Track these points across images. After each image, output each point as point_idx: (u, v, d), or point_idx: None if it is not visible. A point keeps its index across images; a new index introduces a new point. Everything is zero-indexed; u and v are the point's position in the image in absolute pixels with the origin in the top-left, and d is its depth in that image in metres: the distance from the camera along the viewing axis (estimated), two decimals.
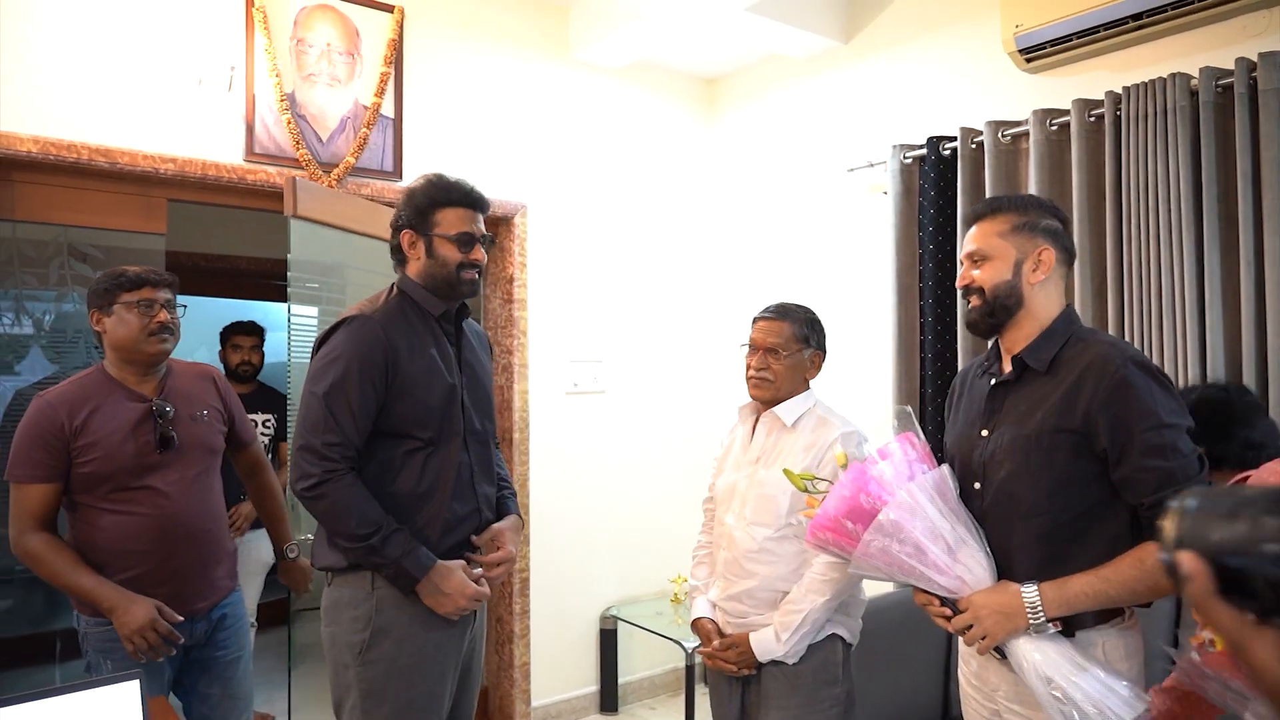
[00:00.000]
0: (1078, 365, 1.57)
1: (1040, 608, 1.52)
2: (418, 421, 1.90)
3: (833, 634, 2.07)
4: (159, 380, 2.25)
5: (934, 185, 3.15)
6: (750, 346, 2.18)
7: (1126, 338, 2.66)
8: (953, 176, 3.13)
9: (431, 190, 1.96)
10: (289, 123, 3.03)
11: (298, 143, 3.05)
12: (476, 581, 1.91)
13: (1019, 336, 1.66)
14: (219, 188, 3.00)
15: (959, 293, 1.76)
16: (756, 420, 2.22)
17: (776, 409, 2.14)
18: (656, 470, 4.08)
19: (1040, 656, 1.50)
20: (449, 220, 1.96)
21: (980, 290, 1.67)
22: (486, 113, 3.57)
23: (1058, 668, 1.48)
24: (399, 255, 2.01)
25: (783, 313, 2.17)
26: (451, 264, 1.95)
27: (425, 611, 1.88)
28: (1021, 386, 1.65)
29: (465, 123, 3.50)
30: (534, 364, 3.70)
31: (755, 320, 2.20)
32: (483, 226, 2.01)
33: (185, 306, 2.32)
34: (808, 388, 2.19)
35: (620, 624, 3.83)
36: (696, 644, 3.28)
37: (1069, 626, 1.54)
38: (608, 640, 3.83)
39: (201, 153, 2.92)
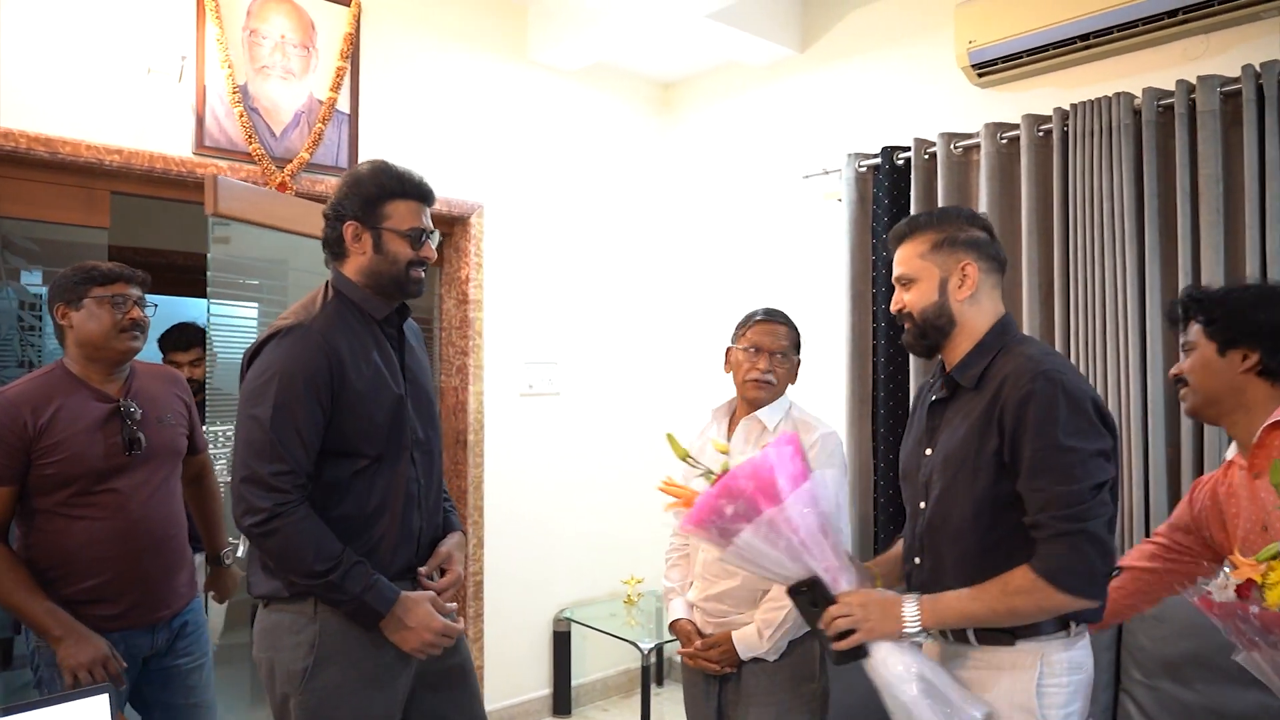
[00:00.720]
0: (999, 378, 1.56)
1: (917, 616, 1.54)
2: (365, 438, 1.75)
3: (810, 631, 2.11)
4: (124, 381, 2.19)
5: (888, 194, 3.23)
6: (755, 349, 2.16)
7: (1071, 343, 2.77)
8: (906, 185, 3.22)
9: (381, 179, 1.80)
10: (241, 115, 2.97)
11: (250, 136, 2.99)
12: (447, 615, 1.79)
13: (955, 353, 1.65)
14: (167, 181, 2.92)
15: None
16: (731, 423, 2.24)
17: (758, 412, 2.18)
18: (610, 472, 4.09)
19: (897, 665, 1.52)
20: (400, 213, 1.80)
21: (910, 314, 1.67)
22: (444, 111, 3.54)
23: (905, 679, 1.50)
24: (337, 249, 1.83)
25: (783, 317, 2.21)
26: (402, 261, 1.80)
27: (372, 636, 1.74)
28: (954, 403, 1.64)
29: (422, 120, 3.48)
30: (489, 365, 3.68)
31: (755, 322, 2.20)
32: (430, 221, 1.87)
33: (156, 305, 2.28)
34: (785, 393, 2.23)
35: (574, 626, 3.83)
36: (651, 645, 3.35)
37: (1011, 634, 1.54)
38: (561, 642, 3.84)
39: (149, 144, 2.84)
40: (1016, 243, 2.94)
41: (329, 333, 1.73)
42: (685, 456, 1.75)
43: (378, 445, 1.75)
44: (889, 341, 3.24)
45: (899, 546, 1.80)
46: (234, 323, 2.98)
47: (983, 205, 2.99)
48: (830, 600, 1.57)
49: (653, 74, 4.23)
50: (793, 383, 2.24)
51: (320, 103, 3.17)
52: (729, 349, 2.25)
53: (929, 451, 1.67)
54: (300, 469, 1.67)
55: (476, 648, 3.61)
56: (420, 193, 1.84)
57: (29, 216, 2.75)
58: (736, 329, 2.25)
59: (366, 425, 1.74)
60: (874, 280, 3.30)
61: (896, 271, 1.69)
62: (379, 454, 1.76)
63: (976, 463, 1.55)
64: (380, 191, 1.80)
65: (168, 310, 3.53)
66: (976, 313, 1.63)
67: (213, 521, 2.51)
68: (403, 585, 1.78)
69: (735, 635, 2.09)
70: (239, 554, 2.55)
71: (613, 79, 4.13)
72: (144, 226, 4.27)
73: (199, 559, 2.46)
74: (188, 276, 4.57)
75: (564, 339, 3.96)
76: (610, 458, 4.10)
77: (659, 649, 3.87)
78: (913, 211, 3.14)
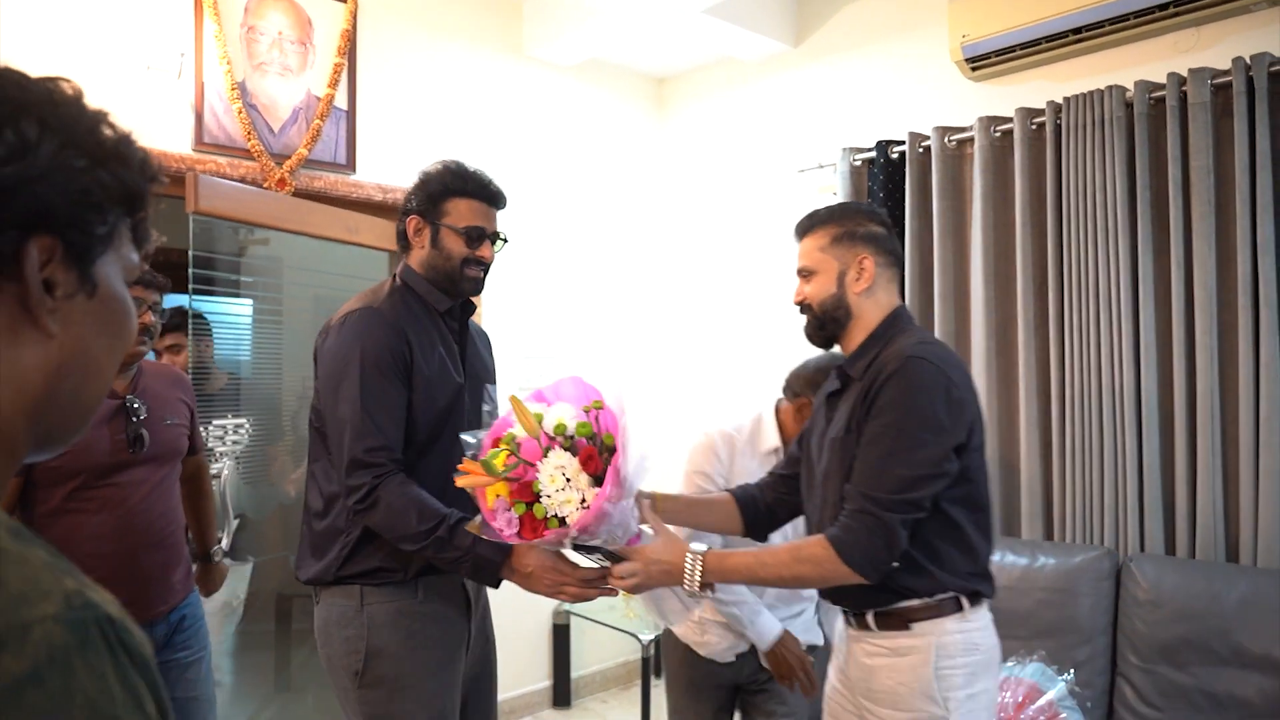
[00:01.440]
0: (876, 366, 1.59)
1: (699, 572, 1.58)
2: (425, 421, 1.77)
3: (809, 644, 2.20)
4: (130, 379, 2.22)
5: (882, 188, 3.26)
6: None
7: (1065, 334, 2.80)
8: (901, 179, 3.25)
9: (447, 177, 1.85)
10: (240, 112, 2.99)
11: (249, 133, 3.01)
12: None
13: (850, 345, 1.69)
14: (167, 178, 2.93)
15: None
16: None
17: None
18: None
19: None
20: (460, 211, 1.84)
21: (809, 306, 1.70)
22: (440, 106, 3.57)
23: None
24: (403, 242, 1.89)
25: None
26: (456, 258, 1.83)
27: (422, 625, 1.77)
28: (845, 395, 1.68)
29: (419, 116, 3.50)
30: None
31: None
32: (496, 224, 1.89)
33: (167, 313, 2.29)
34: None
35: (573, 618, 3.87)
36: (651, 636, 3.38)
37: (905, 620, 1.58)
38: (561, 635, 3.88)
39: (149, 141, 2.75)
40: (1010, 235, 2.97)
41: (396, 316, 1.77)
42: (536, 432, 1.57)
43: (435, 430, 1.78)
44: None
45: (712, 496, 1.90)
46: (226, 319, 3.00)
47: (977, 198, 3.02)
48: (616, 557, 1.61)
49: (647, 69, 4.25)
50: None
51: (318, 99, 3.19)
52: (805, 402, 2.17)
53: (827, 443, 1.70)
54: (393, 443, 1.70)
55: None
56: (486, 193, 1.87)
57: None
58: (805, 385, 2.17)
59: (427, 409, 1.77)
60: None
61: (798, 264, 1.74)
62: (427, 439, 1.77)
63: (849, 447, 1.59)
64: (444, 188, 1.84)
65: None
66: (873, 305, 1.67)
67: (205, 519, 2.54)
68: (452, 577, 1.79)
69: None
70: (224, 546, 2.61)
71: (608, 74, 4.16)
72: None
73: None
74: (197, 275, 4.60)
75: (562, 333, 3.98)
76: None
77: (658, 641, 3.90)
78: (908, 205, 3.19)
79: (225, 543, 2.89)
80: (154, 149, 2.84)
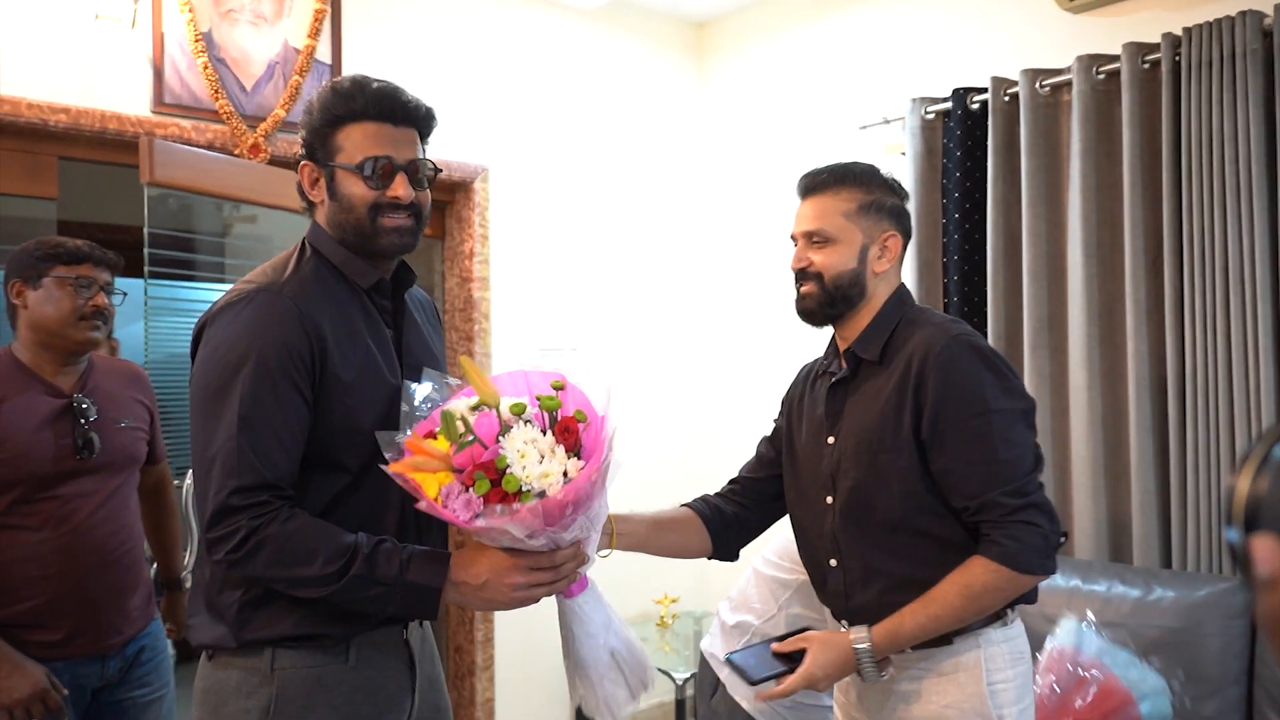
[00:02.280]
0: (906, 351, 1.59)
1: (872, 654, 1.54)
2: (348, 445, 1.47)
3: None
4: (80, 374, 2.15)
5: (960, 145, 3.08)
6: None
7: (1186, 319, 2.61)
8: (982, 134, 3.07)
9: (327, 100, 1.50)
10: (205, 67, 2.84)
11: (216, 92, 2.86)
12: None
13: (855, 328, 1.67)
14: (121, 144, 2.78)
15: (794, 276, 1.70)
16: None
17: None
18: (640, 474, 3.89)
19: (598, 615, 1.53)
20: (354, 141, 1.48)
21: (819, 276, 1.64)
22: (440, 59, 3.40)
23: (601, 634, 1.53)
24: (305, 199, 1.58)
25: None
26: (359, 206, 1.48)
27: (346, 699, 1.48)
28: (859, 382, 1.66)
29: (415, 71, 3.31)
30: (497, 353, 3.55)
31: None
32: (416, 149, 1.54)
33: (125, 294, 2.23)
34: None
35: None
36: (687, 674, 3.15)
37: (944, 635, 1.57)
38: None
39: (100, 102, 2.72)
40: (1117, 199, 2.78)
41: (304, 300, 1.46)
42: (456, 438, 1.38)
43: (363, 454, 1.46)
44: (963, 318, 3.02)
45: (670, 513, 1.81)
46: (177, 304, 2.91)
47: (1075, 154, 2.82)
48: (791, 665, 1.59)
49: (682, 11, 4.05)
50: None
51: (297, 52, 3.05)
52: None
53: (832, 440, 1.67)
54: (281, 478, 1.41)
55: (486, 677, 3.47)
56: (383, 109, 1.50)
57: None
58: None
59: (351, 428, 1.46)
60: (944, 247, 3.12)
61: (810, 225, 1.66)
62: (364, 465, 1.47)
63: (896, 443, 1.57)
64: (326, 117, 1.50)
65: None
66: (885, 287, 1.67)
67: (169, 540, 2.45)
68: (393, 631, 1.54)
69: None
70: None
71: (637, 19, 3.98)
72: (106, 197, 4.15)
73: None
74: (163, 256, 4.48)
75: (584, 321, 3.82)
76: (639, 457, 3.90)
77: (693, 678, 3.70)
78: (990, 165, 3.01)
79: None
80: (107, 111, 2.69)
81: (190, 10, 2.80)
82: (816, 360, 1.83)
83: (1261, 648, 2.32)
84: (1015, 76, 2.95)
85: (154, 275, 2.67)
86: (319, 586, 1.38)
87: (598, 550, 1.58)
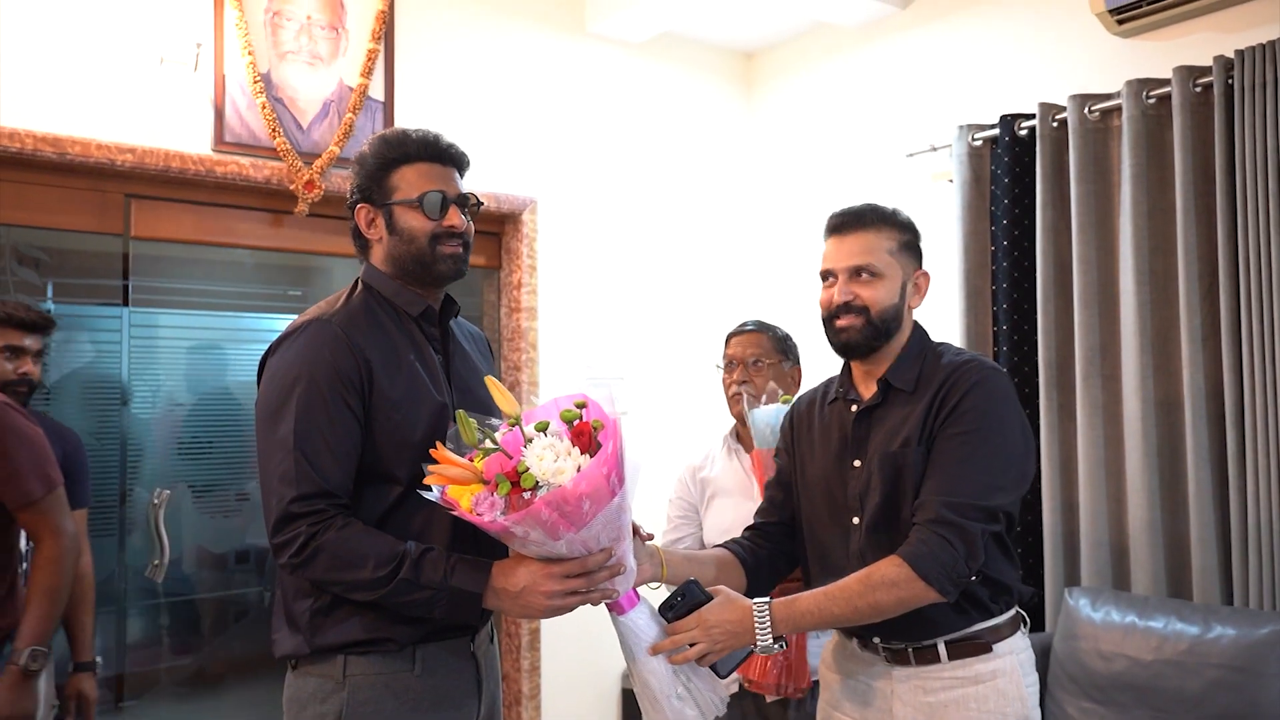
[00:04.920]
0: (939, 377, 1.69)
1: (769, 626, 1.60)
2: (398, 458, 1.63)
3: None
4: None
5: (1008, 172, 3.08)
6: (728, 364, 2.35)
7: (1244, 348, 2.57)
8: (1031, 161, 3.06)
9: (382, 147, 1.71)
10: (264, 107, 2.97)
11: (274, 130, 2.99)
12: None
13: (885, 359, 1.75)
14: (184, 181, 2.94)
15: (832, 308, 1.77)
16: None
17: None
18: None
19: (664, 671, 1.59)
20: (409, 180, 1.69)
21: (865, 310, 1.72)
22: (490, 95, 3.50)
23: (669, 685, 1.59)
24: (360, 241, 1.77)
25: (757, 325, 2.42)
26: (421, 236, 1.68)
27: (413, 706, 1.61)
28: (887, 409, 1.74)
29: (465, 106, 3.44)
30: (545, 382, 3.60)
31: (729, 339, 2.41)
32: (459, 185, 1.75)
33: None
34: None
35: None
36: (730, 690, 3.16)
37: (986, 642, 1.67)
38: (631, 702, 3.69)
39: (164, 142, 2.86)
40: (1170, 226, 2.75)
41: (352, 328, 1.64)
42: (474, 441, 1.54)
43: (413, 466, 1.60)
44: (1012, 348, 3.04)
45: (711, 552, 1.88)
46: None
47: (1126, 180, 2.80)
48: (684, 610, 1.63)
49: (730, 43, 4.11)
50: (791, 394, 2.33)
51: (351, 90, 3.16)
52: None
53: (858, 463, 1.74)
54: (335, 488, 1.57)
55: (533, 705, 3.50)
56: (432, 151, 1.72)
57: (38, 224, 2.80)
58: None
59: (401, 441, 1.62)
60: (993, 275, 3.11)
61: (858, 260, 1.74)
62: (415, 476, 1.60)
63: (917, 454, 1.66)
64: (381, 162, 1.70)
65: (192, 322, 3.53)
66: (911, 321, 1.79)
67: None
68: (460, 644, 1.67)
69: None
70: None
71: (685, 51, 4.04)
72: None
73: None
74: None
75: (632, 350, 3.86)
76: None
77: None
78: (1039, 191, 3.01)
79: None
80: (170, 150, 2.84)
81: (250, 53, 2.94)
82: (814, 390, 1.93)
83: None
84: (1063, 102, 2.94)
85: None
86: (370, 590, 1.53)
87: (650, 581, 1.70)
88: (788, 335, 2.42)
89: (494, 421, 1.58)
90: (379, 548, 1.53)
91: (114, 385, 2.96)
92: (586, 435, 1.50)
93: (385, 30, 3.21)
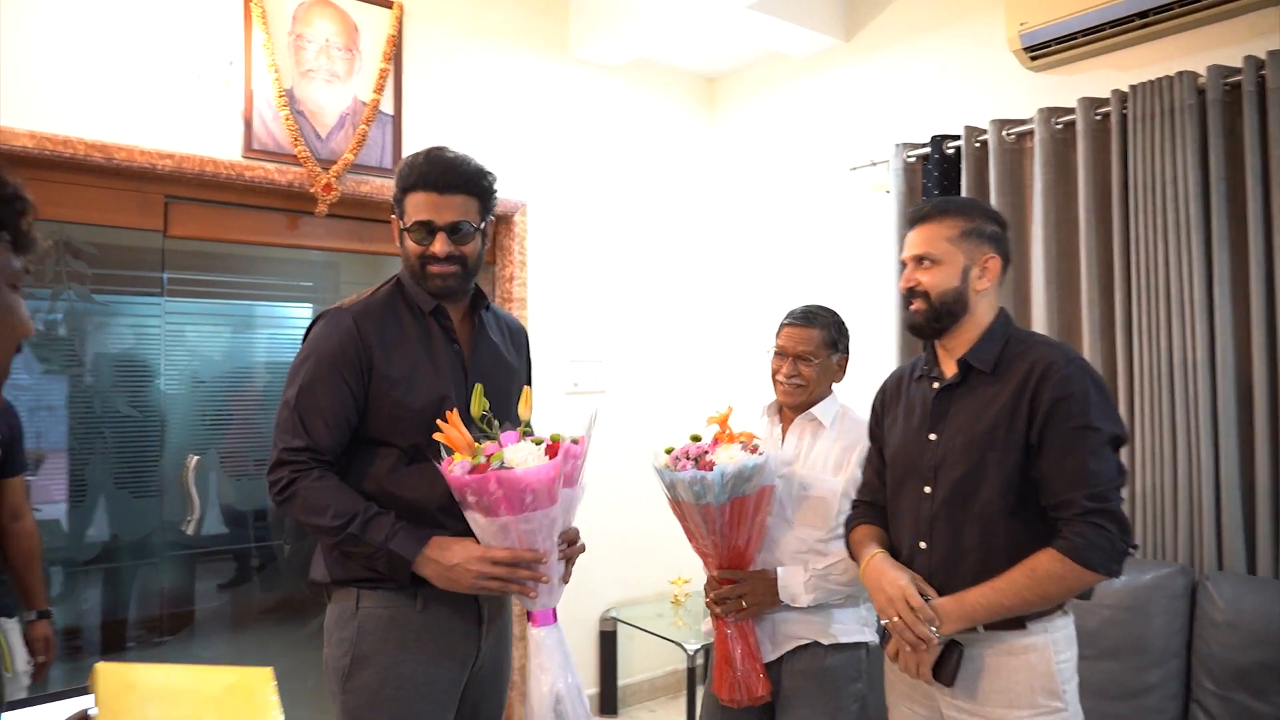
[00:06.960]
0: (1023, 364, 1.64)
1: (936, 621, 1.59)
2: (396, 428, 1.70)
3: (859, 641, 2.08)
4: None
5: (938, 184, 3.13)
6: (780, 353, 2.14)
7: (1134, 339, 2.65)
8: (957, 175, 3.12)
9: (403, 170, 1.75)
10: (287, 119, 3.00)
11: (296, 139, 3.02)
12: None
13: (962, 340, 1.71)
14: (217, 184, 2.97)
15: (904, 293, 1.76)
16: (783, 419, 2.20)
17: (814, 410, 2.13)
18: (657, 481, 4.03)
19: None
20: (414, 206, 1.72)
21: (925, 294, 1.70)
22: (486, 110, 3.54)
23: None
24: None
25: (811, 319, 2.13)
26: (413, 258, 1.74)
27: (414, 637, 1.68)
28: (968, 388, 1.69)
29: (465, 120, 3.48)
30: (534, 363, 3.62)
31: (783, 326, 2.16)
32: (455, 211, 1.71)
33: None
34: (832, 391, 2.18)
35: (620, 626, 3.79)
36: (698, 646, 3.29)
37: (1020, 618, 1.61)
38: (607, 642, 3.80)
39: (199, 149, 2.89)
40: (1074, 233, 2.82)
41: (364, 317, 1.73)
42: (482, 410, 1.67)
43: (410, 436, 1.70)
44: None
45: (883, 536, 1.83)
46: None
47: (1037, 194, 2.87)
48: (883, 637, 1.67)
49: (695, 68, 4.17)
50: (837, 381, 2.18)
51: (364, 104, 3.19)
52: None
53: (933, 436, 1.71)
54: (321, 446, 1.66)
55: (520, 646, 3.58)
56: (429, 182, 1.70)
57: (87, 220, 2.82)
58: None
59: (398, 414, 1.70)
60: None
61: (917, 250, 1.72)
62: (413, 445, 1.70)
63: (1007, 442, 1.61)
64: (401, 184, 1.76)
65: (223, 310, 3.57)
66: (986, 305, 1.71)
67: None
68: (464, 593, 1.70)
69: (780, 571, 2.03)
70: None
71: (655, 74, 4.10)
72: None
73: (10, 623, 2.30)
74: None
75: (609, 336, 3.93)
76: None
77: (705, 650, 3.81)
78: None
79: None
80: (205, 156, 2.88)
81: (276, 71, 2.98)
82: (906, 365, 1.90)
83: (1199, 624, 2.36)
84: (985, 125, 3.01)
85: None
86: (327, 535, 1.64)
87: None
88: (837, 323, 2.16)
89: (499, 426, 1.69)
90: (341, 502, 1.62)
91: (152, 366, 3.00)
92: (556, 445, 1.63)
93: (395, 52, 3.24)
